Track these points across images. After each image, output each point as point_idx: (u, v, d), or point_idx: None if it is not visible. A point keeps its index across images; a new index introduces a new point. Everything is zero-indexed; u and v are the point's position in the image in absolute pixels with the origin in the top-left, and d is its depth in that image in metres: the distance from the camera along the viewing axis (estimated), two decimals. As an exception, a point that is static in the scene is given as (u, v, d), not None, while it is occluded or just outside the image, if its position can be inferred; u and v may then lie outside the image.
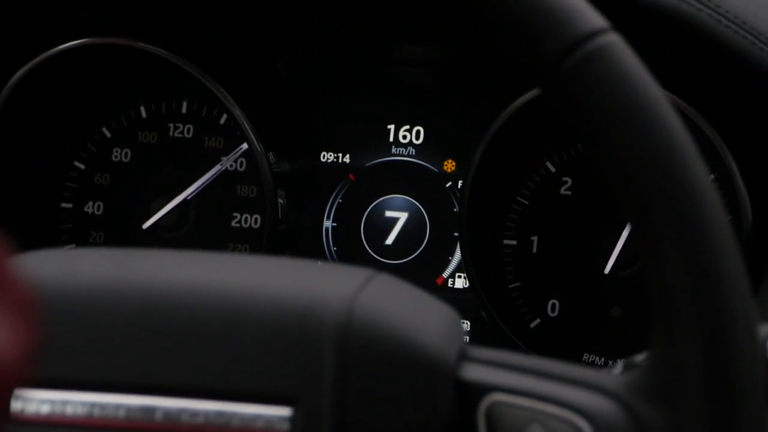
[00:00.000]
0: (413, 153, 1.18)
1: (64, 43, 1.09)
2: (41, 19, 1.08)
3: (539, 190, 1.13)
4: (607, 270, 1.08)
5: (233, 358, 0.52)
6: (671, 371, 0.50)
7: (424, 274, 1.16)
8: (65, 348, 0.52)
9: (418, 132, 1.18)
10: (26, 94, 1.11)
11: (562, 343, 1.11)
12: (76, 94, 1.18)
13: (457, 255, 1.15)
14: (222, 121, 1.17)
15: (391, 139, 1.18)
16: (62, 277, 0.55)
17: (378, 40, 1.13)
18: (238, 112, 1.10)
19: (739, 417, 0.49)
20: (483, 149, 1.08)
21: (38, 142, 1.16)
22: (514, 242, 1.14)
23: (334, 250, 1.18)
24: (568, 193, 1.12)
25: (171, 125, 1.18)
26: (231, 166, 1.16)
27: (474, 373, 0.53)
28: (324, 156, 1.19)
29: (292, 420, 0.51)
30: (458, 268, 1.16)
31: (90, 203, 1.20)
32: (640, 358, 0.53)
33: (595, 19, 0.51)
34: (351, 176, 1.18)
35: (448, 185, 1.17)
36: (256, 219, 1.17)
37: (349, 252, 1.17)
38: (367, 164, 1.19)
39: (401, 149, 1.18)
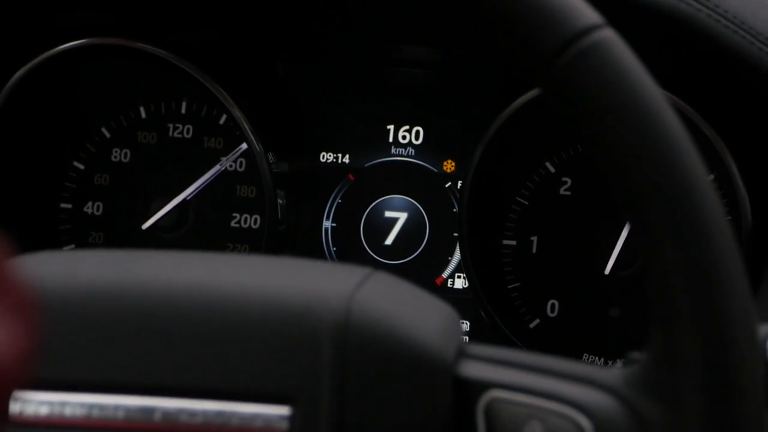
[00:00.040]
0: (413, 153, 1.18)
1: (64, 43, 1.09)
2: (41, 20, 1.08)
3: (539, 190, 1.13)
4: (607, 270, 1.08)
5: (231, 357, 0.52)
6: (670, 367, 0.50)
7: (423, 274, 1.16)
8: (64, 349, 0.52)
9: (417, 132, 1.18)
10: (26, 94, 1.11)
11: (561, 343, 1.11)
12: (75, 94, 1.18)
13: (457, 255, 1.15)
14: (221, 121, 1.17)
15: (391, 140, 1.18)
16: (60, 279, 0.54)
17: (377, 41, 1.13)
18: (237, 113, 1.10)
19: (738, 413, 0.49)
20: (482, 149, 1.08)
21: (38, 142, 1.16)
22: (513, 242, 1.14)
23: (334, 251, 1.18)
24: (568, 193, 1.12)
25: (170, 125, 1.19)
26: (230, 166, 1.16)
27: (472, 370, 0.53)
28: (323, 156, 1.19)
29: (291, 419, 0.51)
30: (458, 269, 1.16)
31: (89, 203, 1.20)
32: (638, 353, 0.53)
33: (589, 15, 0.51)
34: (350, 176, 1.18)
35: (447, 185, 1.17)
36: (255, 219, 1.17)
37: (348, 252, 1.17)
38: (367, 164, 1.19)
39: (401, 149, 1.18)
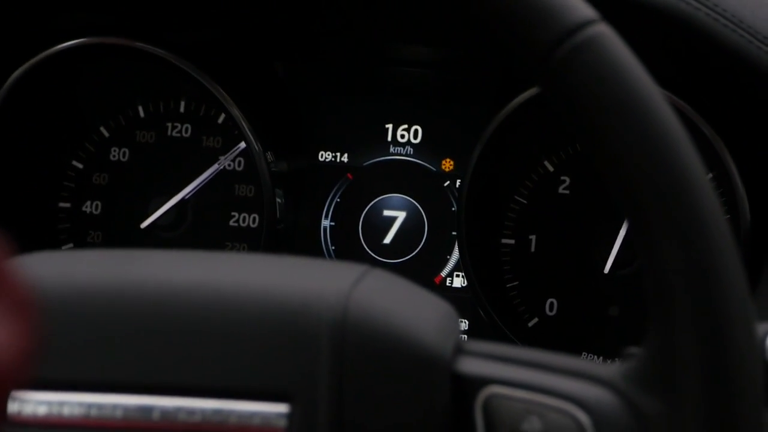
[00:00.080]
0: (411, 152, 1.18)
1: (62, 42, 1.09)
2: (40, 19, 1.08)
3: (537, 189, 1.13)
4: (606, 269, 1.07)
5: (230, 356, 0.52)
6: (669, 363, 0.50)
7: (422, 273, 1.16)
8: (62, 348, 0.52)
9: (416, 131, 1.18)
10: (24, 93, 1.11)
11: (560, 342, 1.11)
12: (74, 93, 1.18)
13: (455, 254, 1.15)
14: (220, 120, 1.17)
15: (389, 139, 1.18)
16: (58, 278, 0.54)
17: (376, 40, 1.13)
18: (236, 112, 1.10)
19: (737, 409, 0.49)
20: (481, 148, 1.08)
21: (36, 141, 1.16)
22: (512, 241, 1.14)
23: (332, 250, 1.18)
24: (566, 192, 1.12)
25: (169, 125, 1.18)
26: (229, 165, 1.16)
27: (470, 366, 0.53)
28: (322, 155, 1.19)
29: (290, 416, 0.51)
30: (456, 267, 1.16)
31: (88, 203, 1.19)
32: (636, 349, 0.53)
33: (584, 10, 0.51)
34: (349, 175, 1.18)
35: (446, 184, 1.17)
36: (254, 218, 1.16)
37: (347, 251, 1.17)
38: (365, 163, 1.19)
39: (399, 148, 1.18)
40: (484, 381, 0.52)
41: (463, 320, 1.16)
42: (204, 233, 1.17)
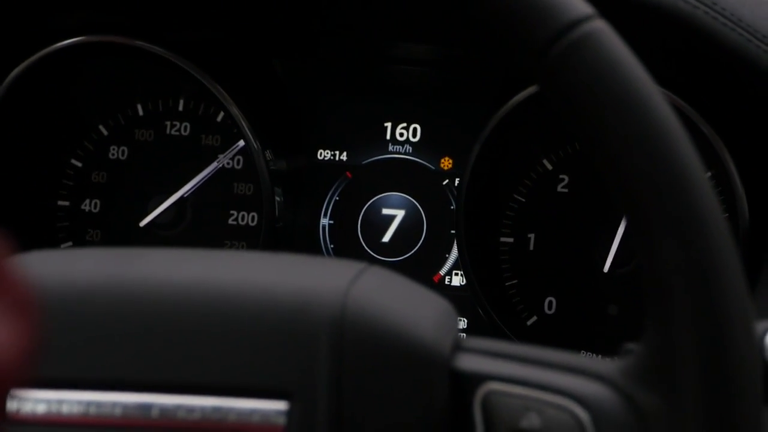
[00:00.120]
0: (410, 151, 1.18)
1: (61, 40, 1.09)
2: (38, 17, 1.08)
3: (536, 187, 1.13)
4: (605, 268, 1.07)
5: (228, 353, 0.52)
6: (667, 360, 0.50)
7: (421, 271, 1.16)
8: (61, 347, 0.52)
9: (414, 130, 1.18)
10: (23, 91, 1.11)
11: (559, 340, 1.11)
12: (72, 92, 1.18)
13: (454, 252, 1.15)
14: (219, 118, 1.17)
15: (388, 137, 1.18)
16: (57, 277, 0.54)
17: (375, 39, 1.13)
18: (235, 110, 1.10)
19: (735, 407, 0.49)
20: (479, 147, 1.08)
21: (35, 140, 1.16)
22: (511, 240, 1.14)
23: (331, 248, 1.18)
24: (565, 190, 1.12)
25: (168, 123, 1.18)
26: (228, 163, 1.16)
27: (469, 363, 0.53)
28: (321, 154, 1.19)
29: (289, 414, 0.51)
30: (455, 266, 1.16)
31: (87, 201, 1.20)
32: (635, 345, 0.53)
33: (580, 6, 0.51)
34: (348, 174, 1.18)
35: (444, 183, 1.17)
36: (253, 217, 1.17)
37: (345, 249, 1.17)
38: (364, 162, 1.19)
39: (398, 147, 1.18)
40: (483, 378, 0.52)
41: (462, 319, 1.16)
42: (203, 231, 1.17)
